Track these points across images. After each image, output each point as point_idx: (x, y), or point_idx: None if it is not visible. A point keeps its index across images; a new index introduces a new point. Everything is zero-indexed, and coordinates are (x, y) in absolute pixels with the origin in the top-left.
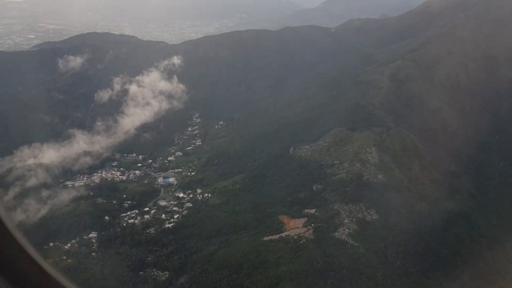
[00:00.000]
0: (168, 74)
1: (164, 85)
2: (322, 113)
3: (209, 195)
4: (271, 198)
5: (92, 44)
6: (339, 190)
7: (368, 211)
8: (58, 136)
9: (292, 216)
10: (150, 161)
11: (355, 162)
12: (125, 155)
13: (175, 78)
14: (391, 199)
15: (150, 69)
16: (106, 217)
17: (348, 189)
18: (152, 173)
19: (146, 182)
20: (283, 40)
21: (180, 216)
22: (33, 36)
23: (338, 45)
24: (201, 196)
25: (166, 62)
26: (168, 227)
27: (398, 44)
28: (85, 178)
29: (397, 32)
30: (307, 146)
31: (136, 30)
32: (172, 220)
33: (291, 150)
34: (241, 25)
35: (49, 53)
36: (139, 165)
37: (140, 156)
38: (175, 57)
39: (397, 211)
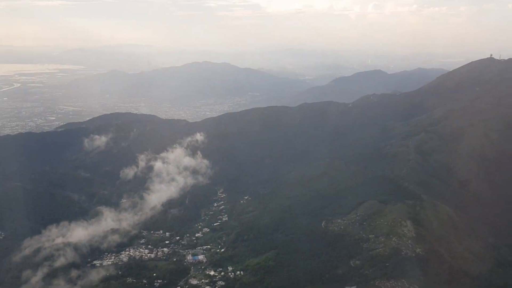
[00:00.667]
0: (192, 150)
1: (188, 161)
2: (351, 185)
3: (242, 273)
4: (308, 275)
5: (115, 124)
6: (378, 266)
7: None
8: (85, 213)
9: None
10: (177, 238)
11: (391, 236)
12: (152, 232)
13: (199, 154)
14: (433, 274)
15: (174, 145)
16: None
17: (387, 264)
18: (180, 250)
19: (175, 259)
20: (302, 115)
21: None
22: (53, 118)
23: (356, 119)
24: (233, 274)
25: (189, 138)
26: None
27: (418, 118)
28: (113, 257)
29: (413, 106)
30: (339, 220)
31: (153, 110)
32: None
33: (323, 224)
34: (254, 103)
35: (75, 133)
36: (166, 242)
37: (167, 233)
38: (198, 134)
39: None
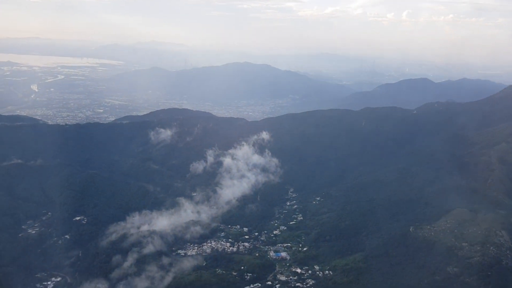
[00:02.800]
0: (260, 148)
1: (257, 158)
2: (431, 192)
3: (330, 272)
4: (404, 279)
5: (178, 119)
6: (479, 275)
7: None
8: (161, 204)
9: None
10: (256, 233)
11: (488, 246)
12: (229, 226)
13: (268, 152)
14: None
15: (241, 143)
16: None
17: (489, 273)
18: (260, 246)
19: (257, 255)
20: (366, 119)
21: None
22: (101, 110)
23: (422, 126)
24: (321, 273)
25: (255, 137)
26: None
27: (493, 127)
28: (196, 248)
29: (483, 116)
30: (428, 226)
31: (195, 108)
32: None
33: (411, 229)
34: (296, 106)
35: (139, 125)
36: (246, 237)
37: (244, 228)
38: (264, 132)
39: None
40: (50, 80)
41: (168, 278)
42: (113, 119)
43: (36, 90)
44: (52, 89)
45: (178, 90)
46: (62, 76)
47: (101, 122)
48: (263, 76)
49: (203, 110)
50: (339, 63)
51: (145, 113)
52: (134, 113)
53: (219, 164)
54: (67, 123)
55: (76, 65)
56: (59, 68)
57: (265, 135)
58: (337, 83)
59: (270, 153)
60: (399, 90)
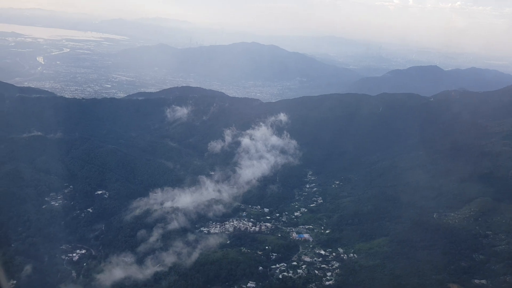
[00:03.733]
0: (278, 130)
1: (275, 140)
2: (454, 180)
3: (355, 255)
4: (429, 264)
5: (193, 97)
6: (506, 262)
7: None
8: (181, 181)
9: (462, 285)
10: (277, 214)
11: None
12: (249, 206)
13: (286, 134)
14: None
15: (259, 123)
16: (260, 267)
17: None
18: (282, 227)
19: (279, 235)
20: (383, 105)
21: (335, 274)
22: (109, 86)
23: (439, 114)
24: (345, 255)
25: (272, 118)
26: (330, 284)
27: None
28: (218, 226)
29: (502, 106)
30: (452, 214)
31: (202, 86)
32: (328, 277)
33: (435, 216)
34: (304, 89)
35: (154, 102)
36: (267, 217)
37: (265, 209)
38: (282, 114)
39: None
40: (55, 53)
41: (195, 254)
42: (122, 94)
43: (43, 63)
44: (58, 62)
45: (185, 68)
46: (68, 49)
47: (116, 98)
48: (270, 56)
49: (211, 89)
50: (345, 46)
51: (153, 89)
52: (142, 90)
53: (237, 144)
54: (83, 97)
55: (80, 38)
56: (64, 41)
57: (282, 117)
58: (344, 67)
59: (288, 135)
60: (409, 77)
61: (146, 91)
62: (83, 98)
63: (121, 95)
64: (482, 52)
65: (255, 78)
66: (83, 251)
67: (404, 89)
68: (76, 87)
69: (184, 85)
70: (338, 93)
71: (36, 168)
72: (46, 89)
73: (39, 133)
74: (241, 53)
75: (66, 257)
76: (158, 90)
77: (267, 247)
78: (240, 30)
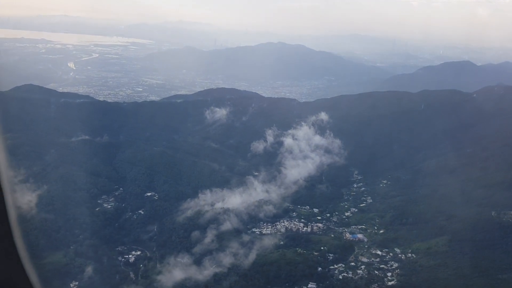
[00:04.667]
0: (320, 129)
1: (319, 139)
2: (510, 178)
3: (413, 255)
4: (494, 264)
5: (230, 98)
6: None
7: None
8: (227, 183)
9: None
10: (328, 215)
11: None
12: (298, 206)
13: (330, 133)
14: None
15: (301, 123)
16: (319, 268)
17: None
18: (334, 227)
19: (332, 236)
20: (425, 102)
21: (396, 274)
22: (141, 89)
23: (484, 111)
24: (403, 255)
25: (313, 117)
26: (392, 284)
27: None
28: (270, 227)
29: None
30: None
31: (231, 87)
32: (389, 277)
33: (493, 214)
34: (333, 87)
35: (193, 104)
36: (318, 218)
37: (314, 209)
38: (323, 113)
39: None
40: (85, 58)
41: (252, 255)
42: (155, 97)
43: (74, 68)
44: (89, 67)
45: (212, 69)
46: (97, 55)
47: (155, 101)
48: (297, 56)
49: (245, 90)
50: (370, 44)
51: (184, 92)
52: (173, 92)
53: (280, 144)
54: (125, 101)
55: (107, 43)
56: (92, 46)
57: (323, 116)
58: (372, 65)
59: (332, 134)
60: (442, 73)
61: (178, 93)
62: (124, 102)
63: (154, 98)
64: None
65: (283, 78)
66: (138, 253)
67: (439, 85)
68: (109, 91)
69: (213, 86)
70: (375, 91)
71: (87, 171)
72: (82, 94)
73: (87, 137)
74: (268, 53)
75: (123, 259)
76: (189, 93)
77: (322, 248)
78: (263, 31)
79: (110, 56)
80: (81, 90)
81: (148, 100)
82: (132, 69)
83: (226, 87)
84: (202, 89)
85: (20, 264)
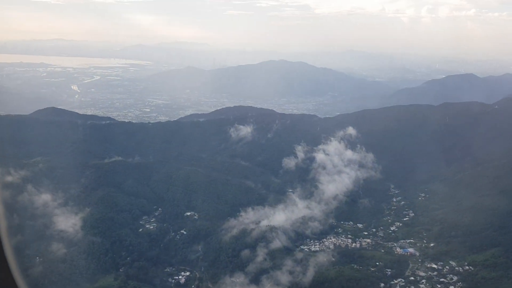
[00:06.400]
0: (350, 144)
1: (351, 154)
2: None
3: (471, 268)
4: None
5: (252, 116)
6: None
7: None
8: (265, 200)
9: None
10: (373, 230)
11: None
12: (341, 222)
13: (362, 148)
14: None
15: (330, 138)
16: (382, 284)
17: None
18: (382, 242)
19: (382, 251)
20: (448, 115)
21: (459, 287)
22: (148, 110)
23: (506, 122)
24: (460, 268)
25: (341, 132)
26: None
27: None
28: (317, 243)
29: None
30: None
31: (237, 105)
32: None
33: None
34: (338, 103)
35: (216, 123)
36: (364, 233)
37: (358, 224)
38: (350, 128)
39: None
40: (87, 81)
41: (310, 273)
42: (164, 117)
43: (78, 91)
44: (93, 90)
45: (216, 89)
46: (98, 77)
47: (179, 121)
48: (299, 73)
49: (261, 107)
50: (367, 60)
51: (191, 111)
52: (181, 112)
53: (311, 160)
54: (150, 121)
55: (106, 65)
56: (92, 69)
57: (351, 131)
58: (372, 80)
59: (364, 148)
60: (447, 86)
61: (186, 113)
62: (149, 122)
63: (163, 118)
64: (506, 58)
65: (287, 95)
66: (188, 273)
67: (447, 98)
68: (117, 113)
69: (220, 105)
70: (397, 105)
71: (125, 192)
72: (103, 116)
73: (120, 158)
74: (270, 71)
75: (173, 280)
76: (198, 112)
77: (377, 263)
78: (259, 49)
79: (111, 78)
80: (89, 112)
81: (158, 120)
82: (135, 90)
83: (233, 105)
84: (209, 108)
85: (9, 274)
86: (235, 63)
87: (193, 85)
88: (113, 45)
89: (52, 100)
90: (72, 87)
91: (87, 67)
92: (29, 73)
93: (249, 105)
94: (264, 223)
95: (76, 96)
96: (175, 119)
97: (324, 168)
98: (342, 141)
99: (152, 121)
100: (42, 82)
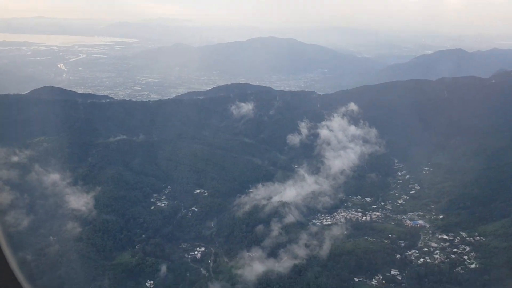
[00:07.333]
0: (353, 119)
1: (354, 129)
2: None
3: (482, 238)
4: None
5: (252, 93)
6: None
7: None
8: (273, 176)
9: None
10: (382, 203)
11: None
12: (349, 196)
13: (365, 123)
14: None
15: (332, 114)
16: (398, 255)
17: None
18: (391, 215)
19: (392, 223)
20: (447, 89)
21: (473, 257)
22: (139, 88)
23: (504, 96)
24: (471, 239)
25: (343, 108)
26: (475, 267)
27: None
28: (328, 217)
29: None
30: None
31: (228, 82)
32: (468, 261)
33: None
34: (329, 79)
35: (216, 101)
36: (373, 206)
37: (366, 198)
38: (352, 104)
39: None
40: (73, 59)
41: (326, 246)
42: (156, 96)
43: (65, 69)
44: (80, 68)
45: (206, 66)
46: (84, 55)
47: (178, 99)
48: (289, 50)
49: (258, 85)
50: (352, 36)
51: (183, 89)
52: (172, 90)
53: (315, 136)
54: (149, 99)
55: (91, 43)
56: (76, 47)
57: (353, 106)
58: (358, 56)
59: (367, 124)
60: (437, 61)
61: (177, 91)
62: (149, 101)
63: (155, 96)
64: (491, 32)
65: (277, 72)
66: (203, 249)
67: (439, 73)
68: (108, 91)
69: (211, 83)
70: (398, 80)
71: (134, 171)
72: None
73: (124, 137)
74: (260, 48)
75: (189, 256)
76: (189, 90)
77: (390, 236)
78: (244, 25)
79: (97, 56)
80: (80, 90)
81: (149, 99)
82: (124, 68)
83: (224, 82)
84: (201, 86)
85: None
86: (222, 40)
87: (182, 63)
88: (96, 23)
89: (41, 79)
90: (58, 65)
91: (71, 45)
92: (13, 52)
93: (240, 82)
94: (276, 198)
95: (64, 75)
96: (172, 97)
97: (328, 144)
98: (344, 117)
99: (144, 100)
100: (28, 61)
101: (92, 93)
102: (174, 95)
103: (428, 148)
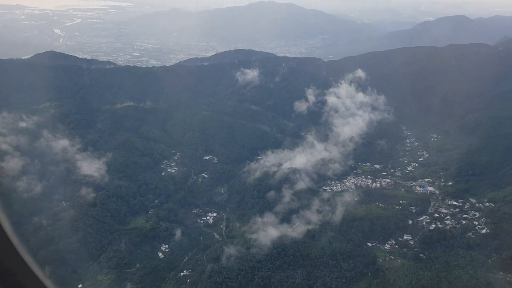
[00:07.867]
0: (359, 86)
1: (362, 97)
2: None
3: (491, 204)
4: None
5: (257, 59)
6: None
7: None
8: (281, 143)
9: None
10: (391, 170)
11: None
12: (359, 163)
13: (372, 90)
14: None
15: (339, 81)
16: (409, 221)
17: None
18: (401, 182)
19: (403, 190)
20: (454, 57)
21: (483, 223)
22: (138, 54)
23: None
24: (481, 205)
25: (350, 75)
26: (486, 232)
27: None
28: (339, 184)
29: None
30: None
31: (227, 49)
32: (478, 226)
33: None
34: (330, 46)
35: (220, 67)
36: (383, 173)
37: (376, 165)
38: (359, 70)
39: None
40: (69, 24)
41: (339, 211)
42: (155, 62)
43: (62, 34)
44: (76, 33)
45: (204, 32)
46: (79, 19)
47: (182, 65)
48: (289, 15)
49: (262, 51)
50: (351, 1)
51: (182, 55)
52: (171, 56)
53: (323, 103)
54: (154, 65)
55: (86, 7)
56: (71, 11)
57: (361, 73)
58: (361, 22)
59: (375, 91)
60: (440, 28)
61: (177, 57)
62: (154, 67)
63: (154, 62)
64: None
65: (277, 38)
66: (214, 214)
67: (442, 40)
68: (107, 57)
69: (210, 49)
70: (405, 47)
71: (143, 137)
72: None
73: (132, 103)
74: (259, 14)
75: (201, 221)
76: (189, 56)
77: (401, 202)
78: None
79: (93, 20)
80: (78, 56)
81: (148, 65)
82: (121, 33)
83: (224, 49)
84: (200, 52)
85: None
86: (220, 4)
87: (180, 28)
88: None
89: (38, 44)
90: (54, 30)
91: (65, 9)
92: (7, 16)
93: (240, 48)
94: (286, 165)
95: (61, 40)
96: (175, 63)
97: (336, 111)
98: (352, 83)
99: (143, 66)
100: (22, 25)
101: (89, 58)
102: (175, 61)
103: (436, 116)
